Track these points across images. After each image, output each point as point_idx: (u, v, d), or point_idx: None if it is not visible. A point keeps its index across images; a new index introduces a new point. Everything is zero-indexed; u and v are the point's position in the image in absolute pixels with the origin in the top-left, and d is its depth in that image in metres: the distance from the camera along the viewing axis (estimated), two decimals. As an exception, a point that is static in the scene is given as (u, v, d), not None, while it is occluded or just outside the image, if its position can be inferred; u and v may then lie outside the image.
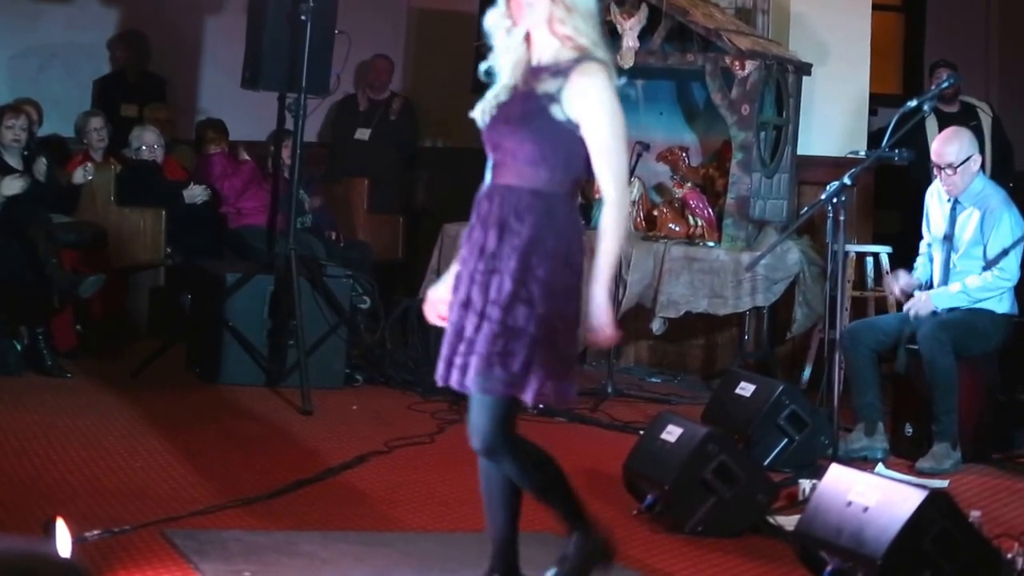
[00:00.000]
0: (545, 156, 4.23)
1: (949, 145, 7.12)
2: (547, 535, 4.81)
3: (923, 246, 7.43)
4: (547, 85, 4.22)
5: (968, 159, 7.10)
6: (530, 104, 4.24)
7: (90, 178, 8.96)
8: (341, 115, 11.37)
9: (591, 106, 4.19)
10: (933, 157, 7.17)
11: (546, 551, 4.58)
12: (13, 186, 8.37)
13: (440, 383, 4.34)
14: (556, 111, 4.21)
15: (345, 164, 11.21)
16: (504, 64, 4.32)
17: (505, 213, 4.26)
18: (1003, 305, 7.13)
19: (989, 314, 7.10)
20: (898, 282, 7.33)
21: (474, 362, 4.19)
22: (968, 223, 7.13)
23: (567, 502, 4.44)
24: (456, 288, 4.34)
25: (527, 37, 4.29)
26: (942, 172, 7.11)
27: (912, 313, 7.14)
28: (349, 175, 11.12)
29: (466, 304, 4.27)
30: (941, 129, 7.70)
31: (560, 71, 4.22)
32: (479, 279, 4.25)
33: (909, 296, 7.27)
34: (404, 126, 11.25)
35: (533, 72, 4.28)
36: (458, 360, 4.24)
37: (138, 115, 10.47)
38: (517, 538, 4.45)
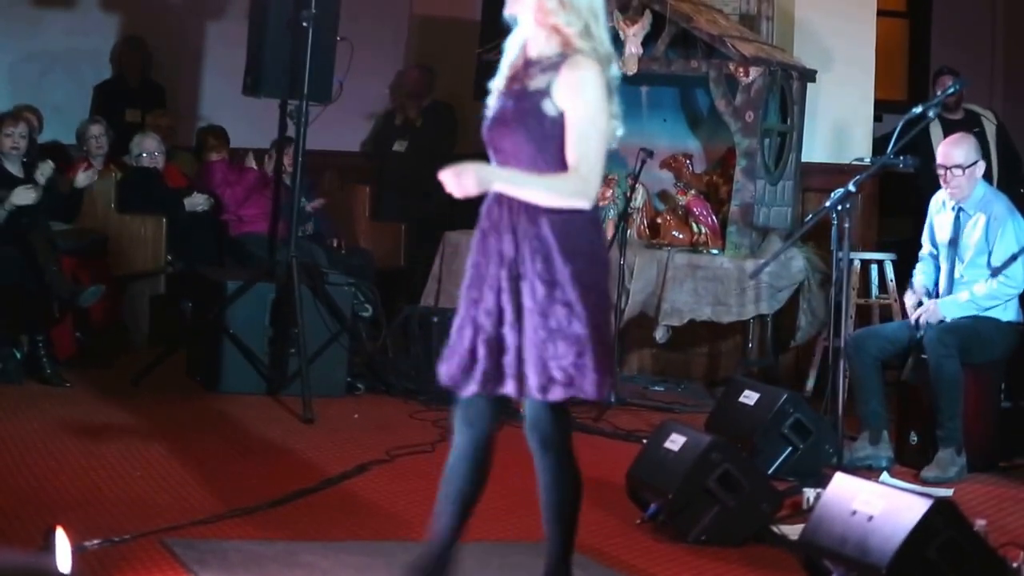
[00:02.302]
0: (544, 155, 4.21)
1: (957, 147, 7.13)
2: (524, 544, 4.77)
3: (922, 254, 7.41)
4: (538, 81, 4.22)
5: (974, 163, 7.10)
6: (523, 103, 4.23)
7: (95, 178, 8.93)
8: (382, 128, 11.41)
9: (573, 94, 4.17)
10: (940, 159, 7.15)
11: (534, 559, 4.53)
12: (26, 196, 8.31)
13: (478, 391, 4.25)
14: (548, 107, 4.19)
15: (386, 176, 11.21)
16: (505, 61, 4.34)
17: (517, 217, 4.23)
18: (1008, 313, 7.11)
19: (994, 322, 7.08)
20: (914, 297, 7.28)
21: (528, 371, 4.17)
22: (974, 230, 7.11)
23: (572, 530, 4.37)
24: (473, 293, 4.29)
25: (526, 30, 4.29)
26: (949, 173, 7.09)
27: (921, 321, 7.11)
28: (390, 188, 11.11)
29: (499, 314, 4.22)
30: (946, 136, 7.69)
31: (550, 66, 4.21)
32: (506, 286, 4.22)
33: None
34: (433, 132, 11.19)
35: (526, 67, 4.27)
36: (509, 371, 4.20)
37: (140, 121, 10.45)
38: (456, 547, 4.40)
